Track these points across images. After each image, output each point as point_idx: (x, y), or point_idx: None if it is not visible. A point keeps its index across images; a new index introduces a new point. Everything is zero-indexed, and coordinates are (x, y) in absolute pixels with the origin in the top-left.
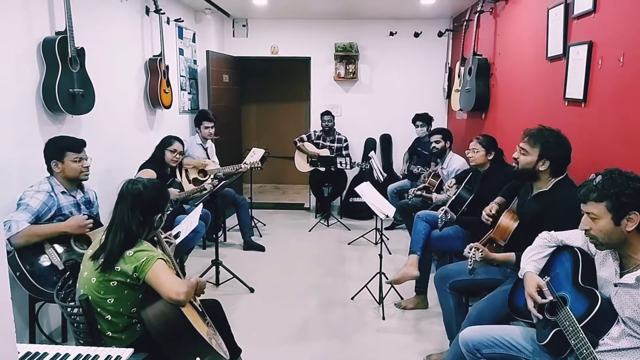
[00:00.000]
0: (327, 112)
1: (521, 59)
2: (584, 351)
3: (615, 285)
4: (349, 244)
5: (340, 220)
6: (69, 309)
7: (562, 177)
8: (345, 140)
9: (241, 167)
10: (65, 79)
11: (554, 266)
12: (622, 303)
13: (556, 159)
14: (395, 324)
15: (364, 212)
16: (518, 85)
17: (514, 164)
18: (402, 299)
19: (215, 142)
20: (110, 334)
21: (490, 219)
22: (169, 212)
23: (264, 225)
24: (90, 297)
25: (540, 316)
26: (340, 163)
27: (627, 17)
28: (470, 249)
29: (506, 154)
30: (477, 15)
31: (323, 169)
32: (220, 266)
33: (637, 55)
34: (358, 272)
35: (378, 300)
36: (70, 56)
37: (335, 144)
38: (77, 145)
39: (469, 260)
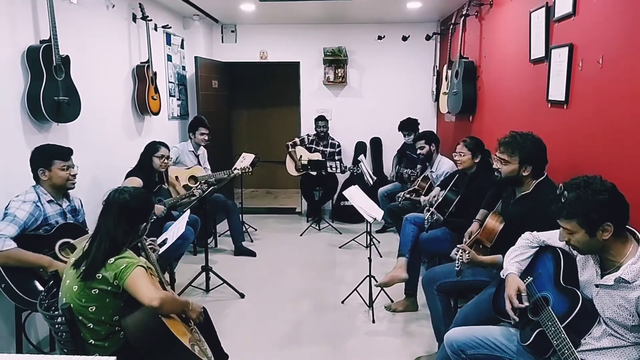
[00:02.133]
0: (322, 118)
1: (506, 62)
2: (566, 351)
3: (596, 286)
4: (340, 247)
5: (332, 224)
6: (52, 318)
7: (542, 178)
8: (339, 146)
9: (232, 173)
10: (50, 87)
11: (536, 267)
12: (603, 304)
13: (536, 162)
14: (385, 326)
15: (355, 215)
16: (503, 88)
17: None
18: (392, 301)
19: (205, 148)
20: (93, 342)
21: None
22: (152, 220)
23: (255, 230)
24: (72, 305)
25: (517, 318)
26: (331, 167)
27: (606, 19)
28: (458, 251)
29: (493, 155)
30: (462, 18)
31: (314, 173)
32: (210, 272)
33: (615, 57)
34: (349, 276)
35: (368, 304)
36: (55, 64)
37: (329, 149)
38: (65, 153)
39: (456, 261)
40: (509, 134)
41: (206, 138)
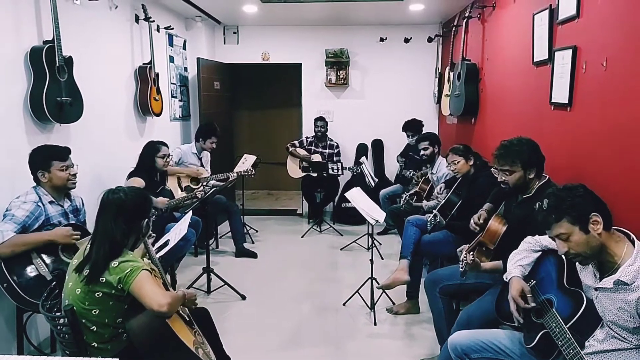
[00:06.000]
0: (321, 118)
1: (509, 64)
2: (571, 352)
3: (596, 289)
4: (341, 249)
5: (333, 225)
6: (54, 320)
7: (544, 181)
8: (337, 147)
9: (229, 176)
10: (53, 88)
11: (539, 270)
12: (604, 307)
13: (537, 162)
14: (387, 329)
15: (357, 217)
16: (506, 90)
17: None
18: (393, 304)
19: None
20: (96, 345)
21: (478, 228)
22: (153, 217)
23: (257, 231)
24: (75, 307)
25: (522, 320)
26: (332, 169)
27: (610, 22)
28: (462, 251)
29: (492, 170)
30: (465, 20)
31: (315, 175)
32: (211, 274)
33: (619, 59)
34: (350, 278)
35: (370, 306)
36: (57, 65)
37: (327, 150)
38: (62, 153)
39: (461, 262)
40: (501, 145)
41: (215, 146)
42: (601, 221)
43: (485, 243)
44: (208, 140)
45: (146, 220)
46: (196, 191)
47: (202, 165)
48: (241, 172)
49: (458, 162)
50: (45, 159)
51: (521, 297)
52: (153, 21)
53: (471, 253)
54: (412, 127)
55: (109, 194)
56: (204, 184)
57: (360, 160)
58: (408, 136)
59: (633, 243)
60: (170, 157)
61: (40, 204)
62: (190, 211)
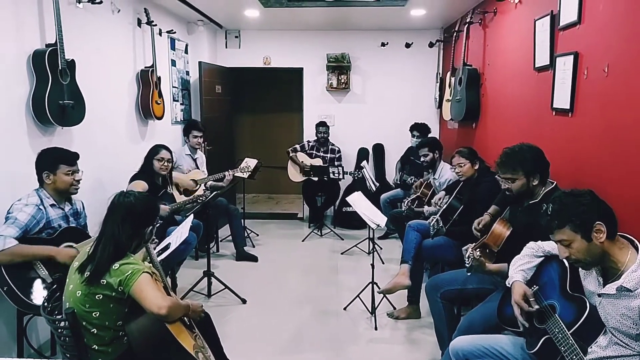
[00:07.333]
0: (323, 124)
1: (510, 69)
2: (574, 357)
3: (599, 295)
4: (342, 253)
5: (334, 229)
6: (55, 323)
7: (552, 187)
8: (339, 151)
9: (226, 175)
10: (55, 91)
11: (541, 275)
12: (607, 314)
13: (541, 169)
14: (388, 334)
15: (357, 221)
16: (507, 95)
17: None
18: (394, 308)
19: (207, 153)
20: (97, 348)
21: (479, 234)
22: (158, 224)
23: (257, 235)
24: (75, 310)
25: (527, 324)
26: (333, 173)
27: (611, 28)
28: (467, 249)
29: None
30: (466, 26)
31: (316, 179)
32: (212, 277)
33: (620, 65)
34: (351, 282)
35: (370, 310)
36: (60, 68)
37: (329, 155)
38: (71, 158)
39: (467, 259)
40: (503, 153)
41: (200, 141)
42: (605, 230)
43: (489, 245)
44: (190, 135)
45: (151, 227)
46: (198, 196)
47: (197, 167)
48: (237, 171)
49: (464, 165)
50: (53, 161)
51: (524, 301)
52: (155, 25)
53: (477, 249)
54: (420, 129)
55: (120, 197)
56: (203, 185)
57: (361, 165)
58: (413, 136)
59: (637, 249)
60: (170, 161)
61: (41, 207)
62: (192, 215)
